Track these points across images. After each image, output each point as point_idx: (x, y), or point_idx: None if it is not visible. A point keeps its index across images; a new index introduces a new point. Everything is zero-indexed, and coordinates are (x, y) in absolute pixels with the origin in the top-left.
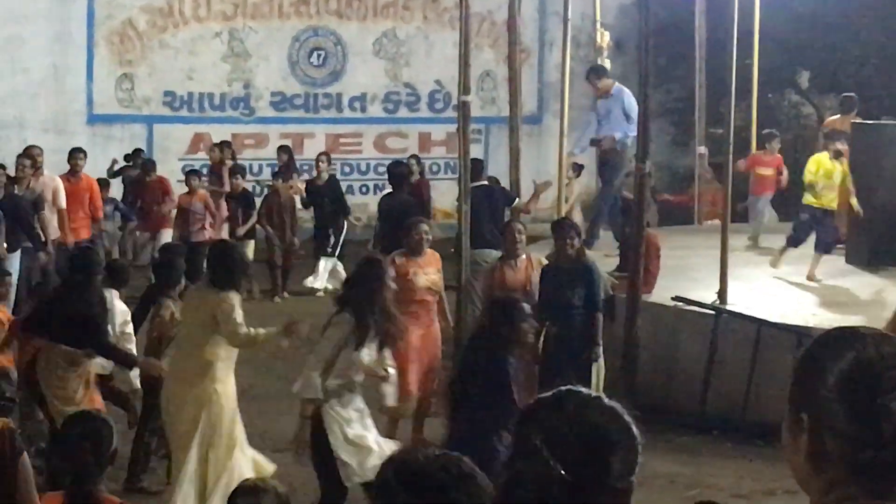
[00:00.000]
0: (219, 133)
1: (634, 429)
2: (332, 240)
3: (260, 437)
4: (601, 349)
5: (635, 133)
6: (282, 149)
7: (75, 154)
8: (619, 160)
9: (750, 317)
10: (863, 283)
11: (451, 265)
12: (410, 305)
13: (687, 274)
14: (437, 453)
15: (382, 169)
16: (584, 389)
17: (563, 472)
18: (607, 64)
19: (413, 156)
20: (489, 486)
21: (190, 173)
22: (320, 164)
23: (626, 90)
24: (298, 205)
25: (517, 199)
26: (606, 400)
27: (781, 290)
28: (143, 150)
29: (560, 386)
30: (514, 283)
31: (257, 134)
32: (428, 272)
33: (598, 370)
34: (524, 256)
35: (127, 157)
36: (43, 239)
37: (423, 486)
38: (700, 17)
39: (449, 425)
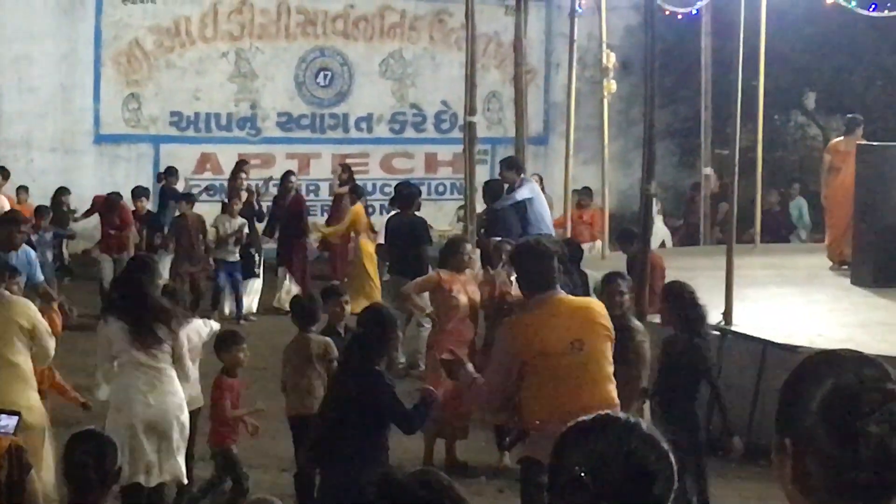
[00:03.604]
0: (225, 153)
1: (671, 457)
2: (257, 258)
3: (266, 456)
4: None
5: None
6: (343, 167)
7: None
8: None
9: (755, 337)
10: (868, 304)
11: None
12: (451, 322)
13: None
14: (416, 470)
15: (389, 189)
16: (622, 415)
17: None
18: (613, 85)
19: (289, 171)
20: (466, 501)
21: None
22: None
23: (524, 187)
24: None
25: None
26: (645, 426)
27: (787, 310)
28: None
29: None
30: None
31: (264, 154)
32: (469, 291)
33: None
34: (505, 273)
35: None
36: None
37: None
38: (706, 38)
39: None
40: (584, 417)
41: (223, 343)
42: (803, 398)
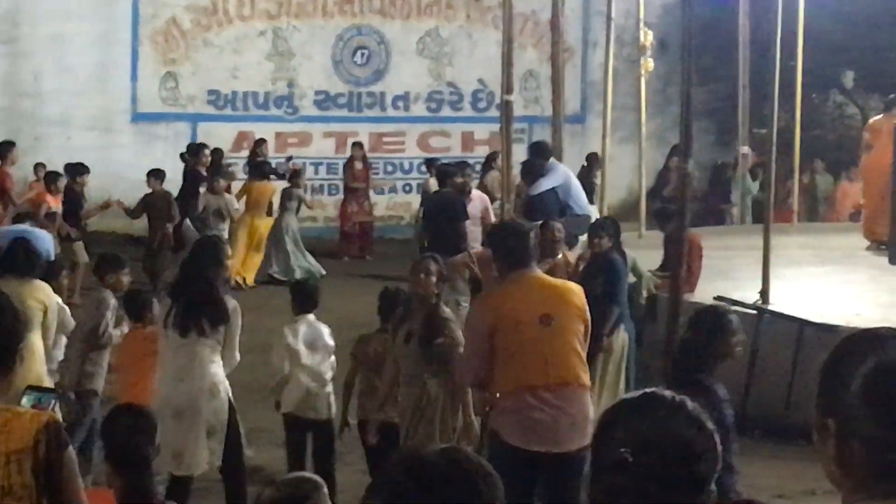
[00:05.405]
0: (262, 132)
1: (716, 437)
2: None
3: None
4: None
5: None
6: (357, 145)
7: None
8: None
9: (792, 317)
10: None
11: None
12: None
13: (729, 274)
14: (442, 447)
15: (425, 168)
16: (667, 394)
17: (654, 486)
18: (650, 64)
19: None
20: (498, 478)
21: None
22: None
23: (550, 176)
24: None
25: None
26: (691, 404)
27: (824, 290)
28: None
29: None
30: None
31: (301, 133)
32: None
33: (612, 362)
34: (561, 255)
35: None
36: None
37: (434, 481)
38: (744, 16)
39: None
40: (629, 395)
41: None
42: (845, 378)
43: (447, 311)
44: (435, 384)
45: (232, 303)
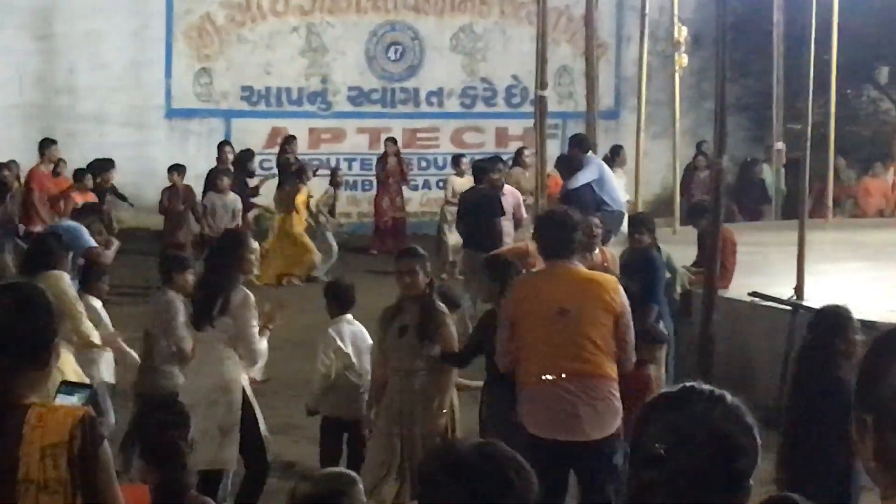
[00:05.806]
0: (296, 128)
1: (756, 431)
2: None
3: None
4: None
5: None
6: (390, 140)
7: None
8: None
9: None
10: None
11: None
12: None
13: (763, 269)
14: (476, 441)
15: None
16: (706, 387)
17: (689, 482)
18: (684, 59)
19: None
20: (532, 472)
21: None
22: None
23: (588, 169)
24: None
25: None
26: (730, 398)
27: (859, 286)
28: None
29: None
30: None
31: (334, 128)
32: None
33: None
34: (597, 251)
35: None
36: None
37: (468, 476)
38: (778, 11)
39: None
40: (668, 389)
41: None
42: (881, 373)
43: (441, 304)
44: (426, 379)
45: (239, 295)
